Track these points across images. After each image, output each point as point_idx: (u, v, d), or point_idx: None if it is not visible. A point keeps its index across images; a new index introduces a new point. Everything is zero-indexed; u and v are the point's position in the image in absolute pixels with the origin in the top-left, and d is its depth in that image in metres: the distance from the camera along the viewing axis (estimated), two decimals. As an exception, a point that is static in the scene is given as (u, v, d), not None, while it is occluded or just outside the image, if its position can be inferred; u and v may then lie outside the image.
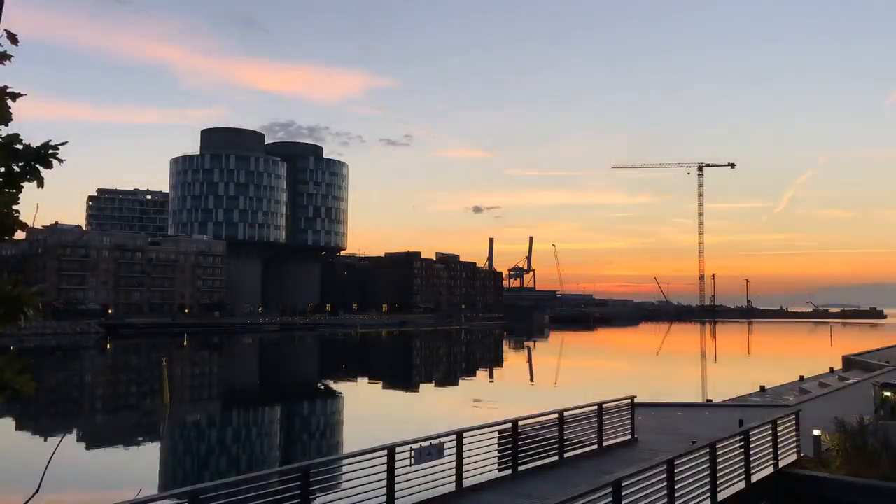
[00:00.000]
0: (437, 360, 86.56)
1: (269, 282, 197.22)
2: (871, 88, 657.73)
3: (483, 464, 14.61)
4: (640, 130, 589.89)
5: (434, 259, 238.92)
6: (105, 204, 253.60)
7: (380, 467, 12.42)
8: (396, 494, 12.49)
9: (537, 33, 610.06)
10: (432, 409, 42.85)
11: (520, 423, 15.95)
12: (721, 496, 13.65)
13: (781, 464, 16.30)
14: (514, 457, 15.50)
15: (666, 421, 23.20)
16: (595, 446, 17.70)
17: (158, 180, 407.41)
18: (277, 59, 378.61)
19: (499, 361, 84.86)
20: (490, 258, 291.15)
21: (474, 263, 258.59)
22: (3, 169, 2.91)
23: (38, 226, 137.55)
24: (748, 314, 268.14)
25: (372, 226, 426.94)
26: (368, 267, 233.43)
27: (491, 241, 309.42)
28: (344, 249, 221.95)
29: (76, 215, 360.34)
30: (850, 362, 49.47)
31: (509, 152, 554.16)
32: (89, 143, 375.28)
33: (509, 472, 15.37)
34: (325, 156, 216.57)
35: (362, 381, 62.35)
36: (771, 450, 16.08)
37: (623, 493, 10.80)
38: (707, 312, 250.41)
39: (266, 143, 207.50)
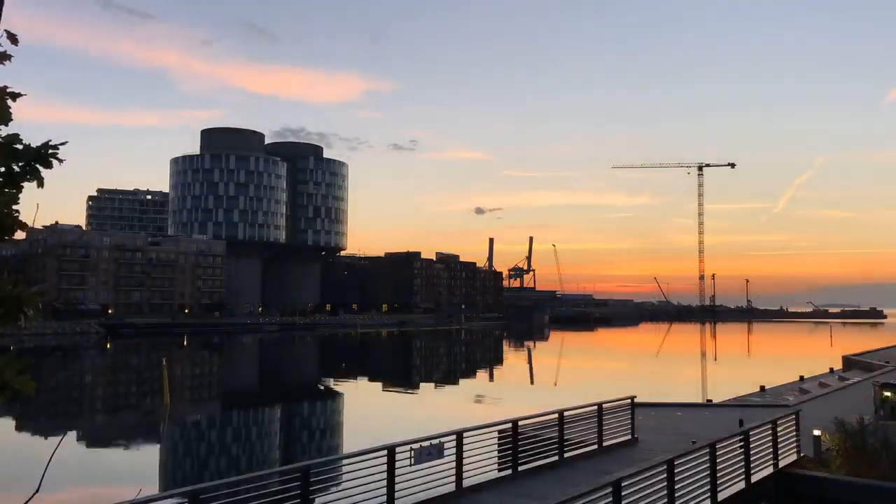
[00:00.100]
0: (437, 360, 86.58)
1: (269, 282, 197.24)
2: (870, 88, 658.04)
3: (483, 464, 14.61)
4: (640, 130, 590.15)
5: (434, 259, 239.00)
6: (105, 204, 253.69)
7: (380, 467, 12.42)
8: (396, 494, 12.49)
9: (537, 34, 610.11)
10: (432, 409, 42.86)
11: (520, 423, 15.95)
12: (721, 496, 13.65)
13: (781, 464, 16.30)
14: (514, 457, 15.50)
15: (666, 421, 23.20)
16: (595, 446, 17.70)
17: (158, 180, 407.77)
18: (277, 62, 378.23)
19: (499, 361, 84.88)
20: (490, 258, 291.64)
21: (474, 263, 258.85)
22: (3, 169, 2.91)
23: (38, 226, 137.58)
24: (748, 314, 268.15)
25: (372, 226, 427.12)
26: (368, 267, 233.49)
27: (491, 241, 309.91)
28: (344, 249, 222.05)
29: (76, 215, 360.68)
30: (850, 362, 49.48)
31: (510, 153, 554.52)
32: (90, 143, 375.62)
33: (509, 472, 15.37)
34: (326, 157, 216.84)
35: (362, 381, 62.36)
36: (771, 450, 16.08)
37: (623, 493, 10.80)
38: (707, 312, 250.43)
39: (266, 143, 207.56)
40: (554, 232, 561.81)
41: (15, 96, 2.98)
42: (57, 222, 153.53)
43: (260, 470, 25.31)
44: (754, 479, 15.09)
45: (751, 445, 15.13)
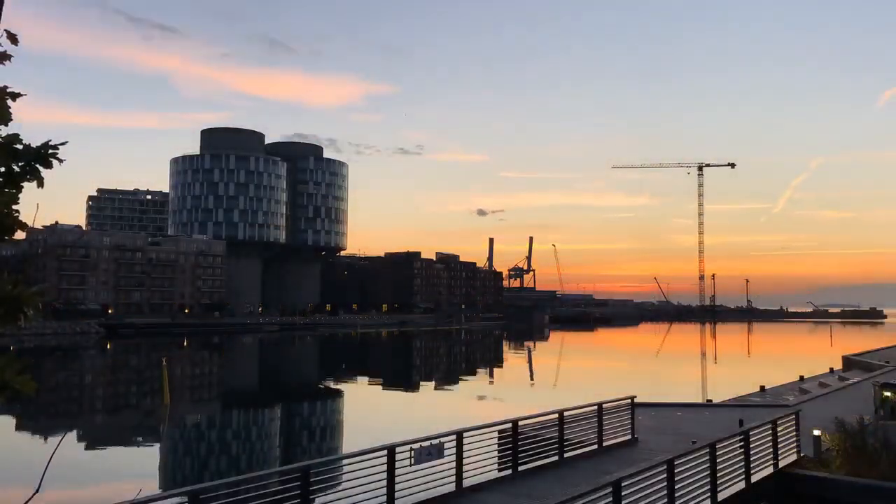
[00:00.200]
0: (437, 360, 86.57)
1: (269, 282, 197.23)
2: (870, 89, 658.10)
3: (483, 464, 14.61)
4: (640, 130, 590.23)
5: (434, 259, 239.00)
6: (105, 204, 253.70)
7: (380, 467, 12.42)
8: (396, 494, 12.49)
9: (537, 35, 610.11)
10: (432, 409, 42.84)
11: (520, 423, 15.95)
12: (721, 496, 13.65)
13: (781, 464, 16.30)
14: (514, 457, 15.50)
15: (666, 421, 23.20)
16: (595, 446, 17.70)
17: (158, 180, 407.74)
18: (276, 66, 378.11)
19: (499, 361, 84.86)
20: (490, 258, 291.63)
21: (474, 263, 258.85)
22: (3, 169, 2.91)
23: (38, 226, 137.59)
24: (748, 314, 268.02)
25: (372, 226, 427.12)
26: (368, 267, 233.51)
27: (491, 241, 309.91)
28: (344, 249, 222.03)
29: (76, 215, 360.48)
30: (850, 362, 49.48)
31: (510, 155, 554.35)
32: (90, 143, 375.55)
33: (509, 472, 15.37)
34: (326, 157, 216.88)
35: (362, 381, 62.34)
36: (771, 450, 16.08)
37: (623, 493, 10.80)
38: (707, 312, 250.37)
39: (266, 142, 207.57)
40: (554, 232, 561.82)
41: (15, 96, 2.98)
42: (57, 222, 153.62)
43: (260, 470, 25.31)
44: (754, 479, 15.09)
45: (751, 445, 15.13)
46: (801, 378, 40.05)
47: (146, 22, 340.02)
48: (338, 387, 57.06)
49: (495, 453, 15.31)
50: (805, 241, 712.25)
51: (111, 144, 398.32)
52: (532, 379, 62.89)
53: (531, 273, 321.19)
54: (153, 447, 31.77)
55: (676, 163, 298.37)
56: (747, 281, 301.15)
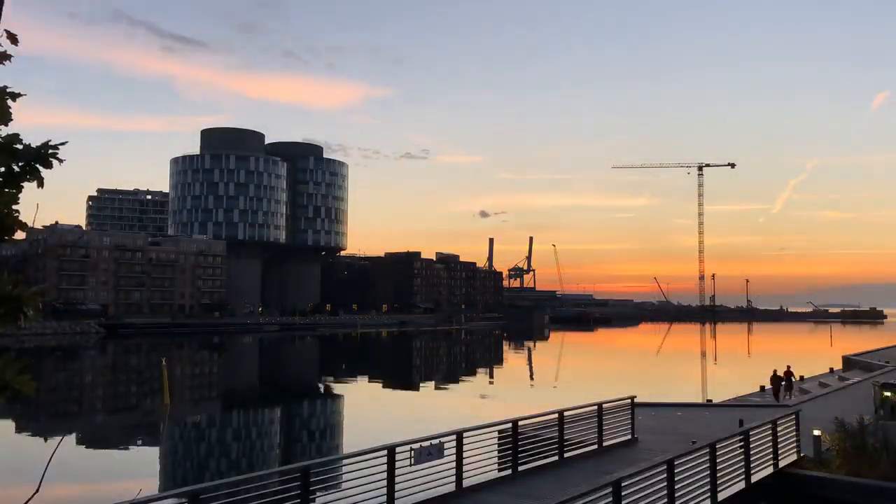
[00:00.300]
0: (437, 360, 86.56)
1: (269, 282, 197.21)
2: (869, 89, 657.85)
3: (483, 464, 14.61)
4: (640, 131, 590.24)
5: (434, 259, 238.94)
6: (105, 204, 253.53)
7: (380, 467, 12.42)
8: (396, 494, 12.49)
9: (536, 37, 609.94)
10: (432, 409, 42.84)
11: (520, 423, 15.95)
12: (721, 496, 13.65)
13: (781, 464, 16.30)
14: (514, 457, 15.49)
15: (666, 421, 23.20)
16: (595, 446, 17.70)
17: (158, 180, 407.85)
18: (274, 69, 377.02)
19: (499, 361, 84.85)
20: (490, 258, 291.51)
21: (474, 263, 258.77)
22: (3, 169, 2.91)
23: (38, 226, 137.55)
24: (748, 314, 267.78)
25: (372, 226, 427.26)
26: (368, 267, 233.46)
27: (491, 241, 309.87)
28: (344, 249, 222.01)
29: (76, 215, 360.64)
30: (850, 362, 49.51)
31: (510, 156, 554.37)
32: (90, 144, 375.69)
33: (509, 472, 15.37)
34: (326, 157, 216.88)
35: (362, 381, 62.33)
36: (771, 450, 16.08)
37: (623, 493, 10.80)
38: (707, 313, 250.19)
39: (266, 143, 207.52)
40: (554, 233, 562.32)
41: (15, 96, 2.98)
42: (57, 222, 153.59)
43: (260, 470, 25.30)
44: (754, 479, 15.08)
45: (751, 445, 15.13)
46: (802, 378, 40.06)
47: (144, 24, 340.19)
48: (338, 387, 57.06)
49: (495, 453, 15.31)
50: (805, 242, 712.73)
51: (112, 145, 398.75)
52: (532, 379, 62.88)
53: (531, 273, 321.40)
54: (153, 447, 31.77)
55: (676, 163, 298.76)
56: (747, 281, 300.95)
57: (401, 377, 64.36)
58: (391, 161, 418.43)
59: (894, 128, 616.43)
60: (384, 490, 12.36)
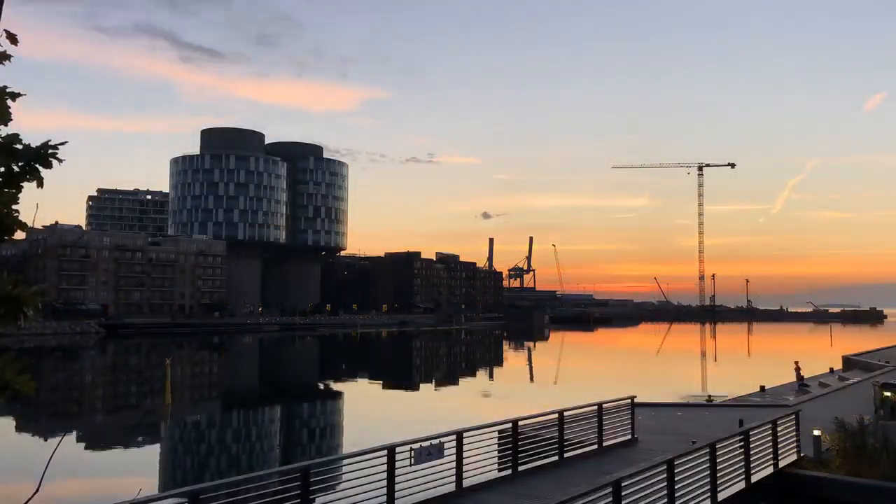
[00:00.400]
0: (437, 360, 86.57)
1: (269, 282, 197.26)
2: (868, 90, 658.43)
3: (483, 464, 14.61)
4: (640, 131, 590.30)
5: (434, 259, 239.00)
6: (105, 204, 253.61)
7: (380, 467, 12.42)
8: (396, 494, 12.49)
9: (536, 37, 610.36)
10: (432, 408, 42.85)
11: (520, 423, 15.95)
12: (721, 496, 13.65)
13: (781, 464, 16.30)
14: (514, 457, 15.50)
15: (666, 421, 23.20)
16: (595, 446, 17.70)
17: (158, 180, 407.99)
18: (274, 73, 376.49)
19: (499, 361, 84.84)
20: (490, 258, 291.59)
21: (474, 263, 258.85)
22: (3, 169, 2.91)
23: (38, 226, 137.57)
24: (748, 314, 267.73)
25: (372, 226, 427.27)
26: (368, 267, 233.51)
27: (491, 241, 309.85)
28: (344, 249, 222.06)
29: (76, 215, 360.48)
30: (850, 362, 49.49)
31: (510, 157, 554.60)
32: (90, 144, 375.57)
33: (509, 472, 15.37)
34: (326, 157, 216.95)
35: (362, 381, 62.35)
36: (771, 450, 16.08)
37: (623, 493, 10.80)
38: (707, 312, 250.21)
39: (266, 143, 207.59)
40: (554, 232, 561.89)
41: (14, 96, 2.98)
42: (57, 222, 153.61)
43: (260, 470, 25.30)
44: (754, 479, 15.09)
45: (751, 445, 15.13)
46: (802, 378, 40.02)
47: (163, 34, 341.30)
48: (338, 387, 57.07)
49: (495, 453, 15.31)
50: (805, 242, 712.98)
51: (112, 145, 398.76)
52: (532, 379, 62.90)
53: (531, 273, 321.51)
54: (153, 447, 31.78)
55: (676, 163, 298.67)
56: (747, 281, 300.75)
57: (401, 377, 64.37)
58: (397, 165, 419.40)
59: (895, 128, 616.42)
60: (384, 490, 12.36)
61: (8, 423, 36.05)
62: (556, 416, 16.99)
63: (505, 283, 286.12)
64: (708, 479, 13.37)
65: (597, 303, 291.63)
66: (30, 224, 3.12)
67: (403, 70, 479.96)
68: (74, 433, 33.89)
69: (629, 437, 18.94)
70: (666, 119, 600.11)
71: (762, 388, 35.22)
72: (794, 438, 17.17)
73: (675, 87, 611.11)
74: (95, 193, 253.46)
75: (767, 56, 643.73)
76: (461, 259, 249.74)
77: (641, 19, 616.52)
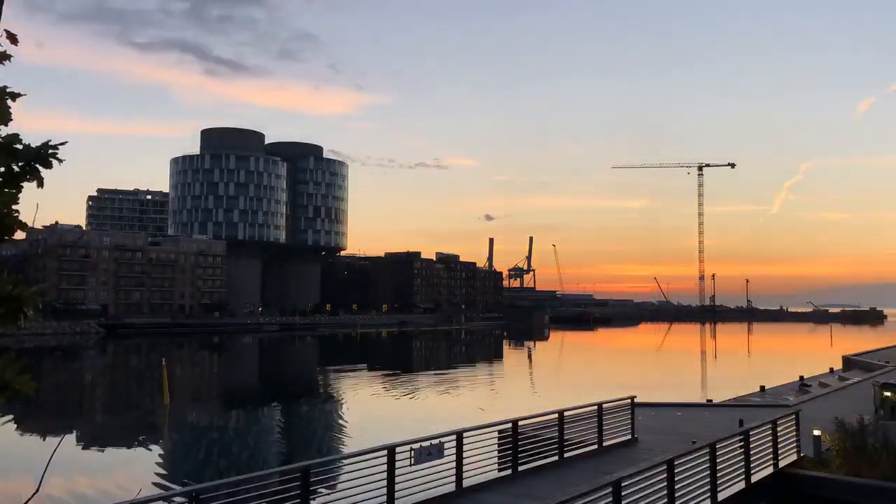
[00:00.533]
0: (437, 360, 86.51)
1: (269, 282, 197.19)
2: (868, 90, 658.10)
3: (483, 464, 14.61)
4: (640, 131, 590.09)
5: (434, 259, 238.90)
6: (105, 204, 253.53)
7: (380, 467, 12.42)
8: (396, 494, 12.49)
9: (536, 37, 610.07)
10: (432, 408, 42.82)
11: (520, 423, 15.95)
12: (721, 496, 13.65)
13: (781, 464, 16.29)
14: (514, 457, 15.49)
15: (666, 421, 23.19)
16: (595, 446, 17.70)
17: (158, 180, 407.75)
18: (272, 76, 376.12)
19: (499, 361, 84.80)
20: (490, 258, 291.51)
21: (474, 263, 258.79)
22: (3, 169, 2.91)
23: (38, 226, 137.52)
24: (748, 314, 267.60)
25: (372, 226, 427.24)
26: (368, 267, 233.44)
27: (491, 241, 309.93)
28: (344, 249, 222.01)
29: (76, 215, 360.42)
30: (850, 362, 49.46)
31: (510, 157, 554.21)
32: (90, 144, 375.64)
33: (509, 472, 15.37)
34: (326, 157, 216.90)
35: (363, 382, 62.24)
36: (771, 450, 16.07)
37: (623, 493, 10.80)
38: (707, 312, 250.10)
39: (266, 143, 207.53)
40: (554, 233, 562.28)
41: (15, 96, 2.98)
42: (57, 222, 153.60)
43: (260, 470, 25.29)
44: (754, 479, 15.08)
45: (751, 445, 15.13)
46: (802, 378, 40.02)
47: (141, 32, 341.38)
48: (338, 387, 57.03)
49: (495, 453, 15.31)
50: (805, 242, 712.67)
51: (112, 146, 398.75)
52: (532, 379, 62.87)
53: (531, 273, 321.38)
54: (153, 447, 31.76)
55: (676, 163, 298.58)
56: (747, 281, 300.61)
57: (401, 377, 64.24)
58: (405, 169, 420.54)
59: (895, 128, 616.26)
60: (384, 490, 12.36)
61: (8, 422, 36.03)
62: (556, 416, 16.98)
63: (505, 283, 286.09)
64: (708, 479, 13.37)
65: (597, 303, 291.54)
66: (30, 224, 3.12)
67: (404, 74, 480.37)
68: (74, 433, 33.87)
69: (629, 437, 18.94)
70: (666, 119, 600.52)
71: (762, 387, 35.20)
72: (794, 438, 17.16)
73: (675, 87, 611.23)
74: (95, 193, 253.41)
75: (767, 56, 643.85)
76: (461, 259, 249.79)
77: (641, 19, 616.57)
